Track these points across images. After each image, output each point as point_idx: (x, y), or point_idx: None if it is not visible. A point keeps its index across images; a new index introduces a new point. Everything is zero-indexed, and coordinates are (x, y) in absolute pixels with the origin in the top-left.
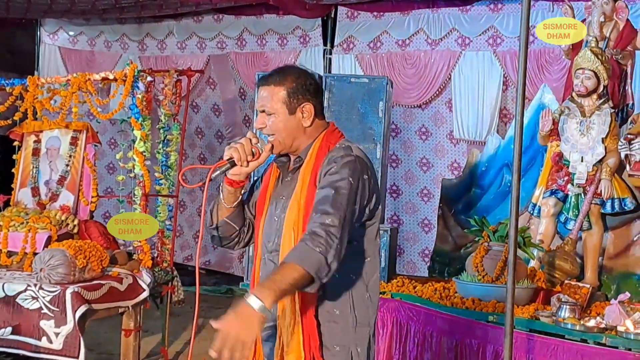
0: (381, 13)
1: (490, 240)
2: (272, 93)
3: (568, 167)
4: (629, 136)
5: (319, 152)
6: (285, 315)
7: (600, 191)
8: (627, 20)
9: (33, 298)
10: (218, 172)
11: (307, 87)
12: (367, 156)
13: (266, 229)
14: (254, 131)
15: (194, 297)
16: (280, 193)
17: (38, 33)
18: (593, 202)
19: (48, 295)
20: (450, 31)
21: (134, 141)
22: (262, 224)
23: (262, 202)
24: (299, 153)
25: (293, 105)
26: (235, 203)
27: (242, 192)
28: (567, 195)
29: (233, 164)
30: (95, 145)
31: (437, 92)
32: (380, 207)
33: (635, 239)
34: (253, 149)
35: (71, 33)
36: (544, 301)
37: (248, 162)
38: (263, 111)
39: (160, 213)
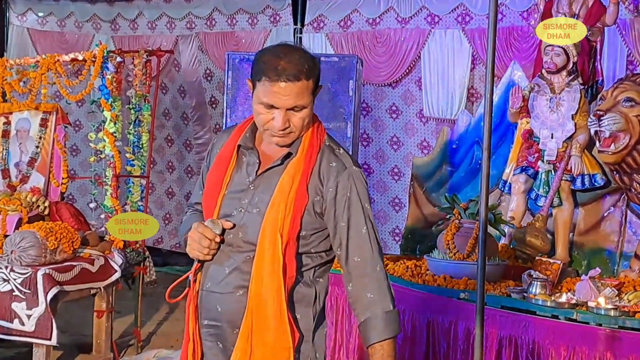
0: None
1: (461, 218)
2: (303, 87)
3: (538, 144)
4: (598, 112)
5: (309, 148)
6: (264, 330)
7: (571, 167)
8: None
9: (4, 280)
10: (199, 272)
11: (320, 74)
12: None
13: (222, 217)
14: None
15: (166, 277)
16: (250, 182)
17: (6, 14)
18: (563, 178)
19: (19, 278)
20: (420, 9)
21: (104, 122)
22: (217, 212)
23: (217, 184)
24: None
25: (315, 93)
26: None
27: None
28: (537, 172)
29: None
30: (65, 127)
31: (407, 71)
32: None
33: (605, 214)
34: (217, 241)
35: (40, 14)
36: (515, 278)
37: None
38: (292, 109)
39: (133, 194)
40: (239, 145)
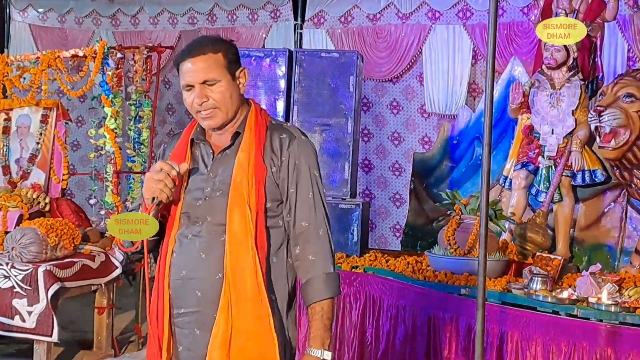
0: None
1: (462, 214)
2: (211, 61)
3: (539, 140)
4: (598, 108)
5: (256, 126)
6: (242, 301)
7: (571, 163)
8: None
9: (5, 277)
10: (155, 213)
11: (237, 53)
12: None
13: (187, 209)
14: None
15: None
16: (209, 171)
17: (7, 10)
18: (564, 174)
19: (20, 274)
20: (421, 5)
21: (104, 118)
22: (181, 205)
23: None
24: (233, 127)
25: (233, 70)
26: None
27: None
28: (538, 168)
29: (160, 204)
30: (66, 123)
31: (408, 66)
32: None
33: (605, 210)
34: (174, 180)
35: (40, 10)
36: (515, 273)
37: (172, 192)
38: (204, 82)
39: (133, 190)
40: (192, 140)
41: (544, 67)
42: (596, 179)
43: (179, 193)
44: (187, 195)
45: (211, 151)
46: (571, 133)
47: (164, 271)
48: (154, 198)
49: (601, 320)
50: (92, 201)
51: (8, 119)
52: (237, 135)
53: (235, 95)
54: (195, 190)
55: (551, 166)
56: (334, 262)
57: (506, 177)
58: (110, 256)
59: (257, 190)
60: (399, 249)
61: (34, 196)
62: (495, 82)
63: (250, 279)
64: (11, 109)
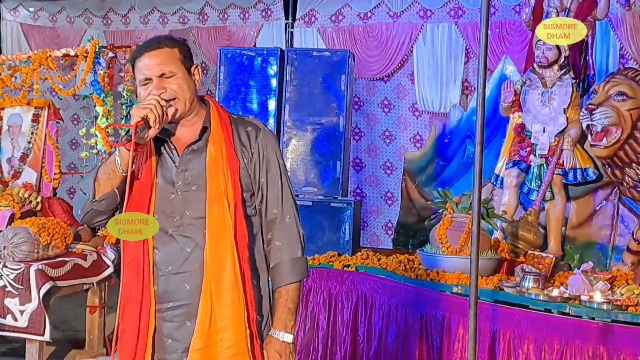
0: None
1: (454, 212)
2: (168, 55)
3: (530, 138)
4: (590, 106)
5: (221, 120)
6: (222, 291)
7: (563, 161)
8: None
9: None
10: (139, 132)
11: (190, 51)
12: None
13: (161, 205)
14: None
15: None
16: (177, 165)
17: None
18: (555, 172)
19: (12, 273)
20: (412, 4)
21: (96, 117)
22: (154, 201)
23: (147, 177)
24: (195, 121)
25: (188, 65)
26: (130, 170)
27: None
28: (529, 166)
29: (148, 124)
30: (58, 122)
31: (400, 65)
32: None
33: (597, 208)
34: (161, 99)
35: (31, 9)
36: (507, 272)
37: (159, 123)
38: (161, 75)
39: None
40: (156, 135)
41: (535, 65)
42: (588, 177)
43: (150, 150)
44: (158, 190)
45: (173, 147)
46: (563, 131)
47: (149, 268)
48: (143, 118)
49: (593, 318)
50: None
51: None
52: (204, 130)
53: (192, 88)
54: (166, 184)
55: (543, 164)
56: (302, 246)
57: (498, 176)
58: (102, 255)
59: (233, 181)
60: (391, 248)
61: (26, 195)
62: (486, 81)
63: (228, 270)
64: (2, 108)
